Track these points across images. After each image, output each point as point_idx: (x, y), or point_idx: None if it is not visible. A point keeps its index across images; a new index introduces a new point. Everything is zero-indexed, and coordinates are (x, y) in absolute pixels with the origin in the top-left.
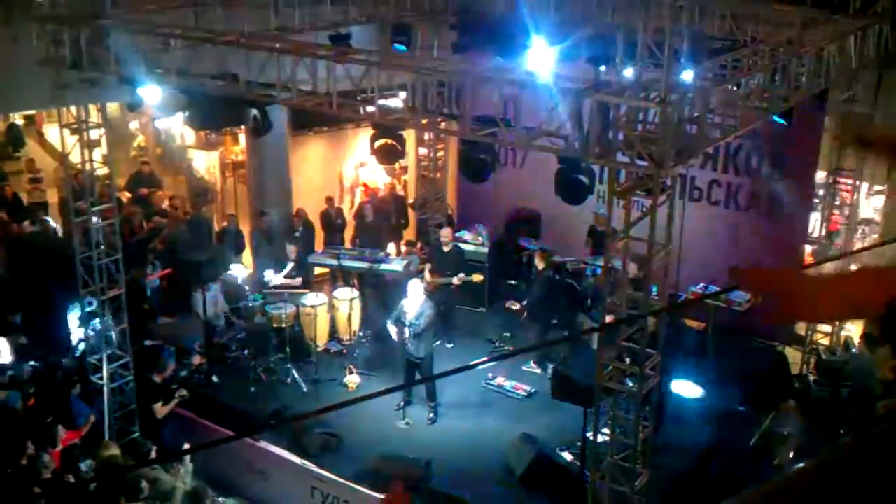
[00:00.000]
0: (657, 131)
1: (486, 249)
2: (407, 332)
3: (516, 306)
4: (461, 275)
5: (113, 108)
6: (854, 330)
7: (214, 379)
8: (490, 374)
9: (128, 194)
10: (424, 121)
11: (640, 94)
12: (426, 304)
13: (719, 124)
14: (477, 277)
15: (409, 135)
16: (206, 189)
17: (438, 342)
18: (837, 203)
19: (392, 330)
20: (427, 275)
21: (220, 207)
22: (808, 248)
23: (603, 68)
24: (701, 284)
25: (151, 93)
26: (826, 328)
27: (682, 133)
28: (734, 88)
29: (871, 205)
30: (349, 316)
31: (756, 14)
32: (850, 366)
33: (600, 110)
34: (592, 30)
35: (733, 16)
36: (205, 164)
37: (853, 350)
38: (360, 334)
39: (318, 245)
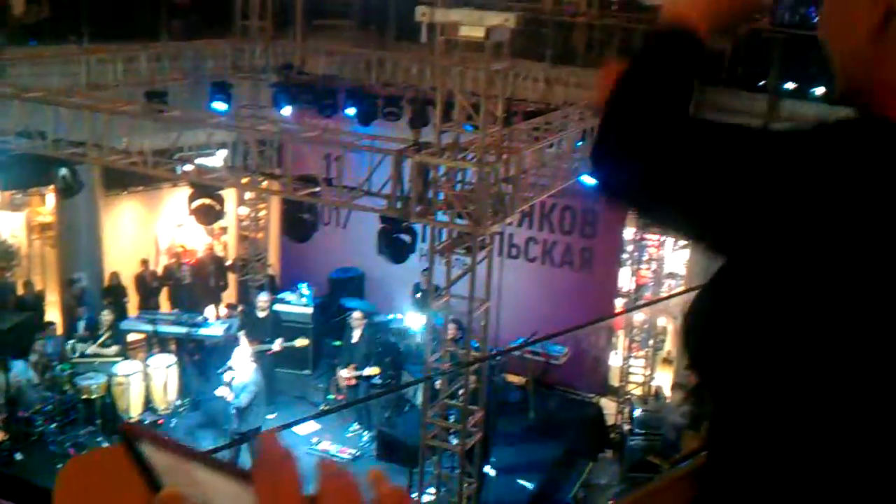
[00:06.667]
0: (475, 191)
1: (309, 311)
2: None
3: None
4: (279, 340)
5: None
6: (665, 380)
7: (18, 456)
8: (314, 439)
9: None
10: (245, 180)
11: (457, 156)
12: (251, 379)
13: (533, 184)
14: (301, 342)
15: (230, 194)
16: (11, 253)
17: (271, 415)
18: (645, 258)
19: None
20: (243, 341)
21: (26, 272)
22: (619, 302)
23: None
24: (521, 339)
25: None
26: (638, 378)
27: (498, 192)
28: (547, 149)
29: (676, 259)
30: (165, 384)
31: (566, 79)
32: (661, 414)
33: (420, 171)
34: (412, 92)
35: (546, 80)
36: (9, 226)
37: (664, 399)
38: (178, 403)
39: (133, 310)
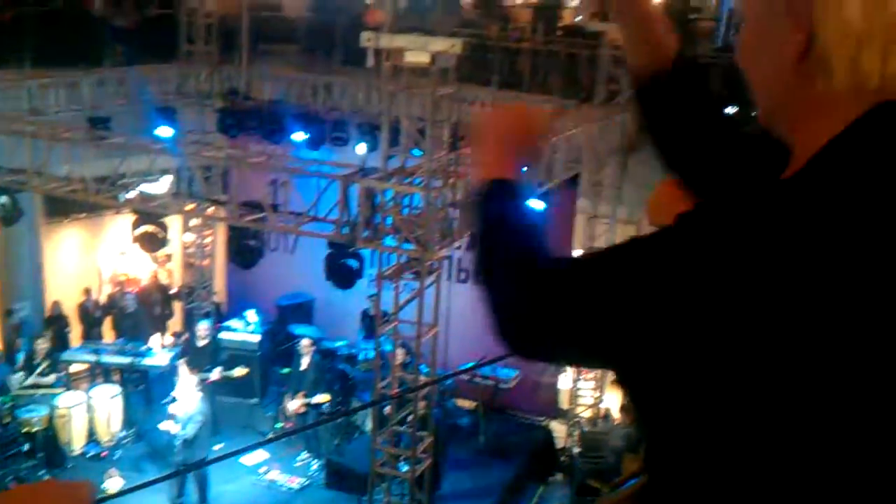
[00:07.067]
0: (422, 216)
1: (255, 338)
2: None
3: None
4: (218, 369)
5: None
6: (614, 401)
7: None
8: (262, 469)
9: None
10: (189, 206)
11: (404, 181)
12: (197, 409)
13: None
14: (240, 371)
15: (175, 221)
16: None
17: (217, 445)
18: None
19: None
20: (182, 370)
21: None
22: None
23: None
24: (471, 363)
25: None
26: (588, 401)
27: (446, 217)
28: None
29: None
30: (109, 416)
31: (512, 103)
32: (606, 437)
33: (367, 196)
34: (358, 118)
35: (492, 104)
36: None
37: (612, 421)
38: (122, 434)
39: (76, 340)
